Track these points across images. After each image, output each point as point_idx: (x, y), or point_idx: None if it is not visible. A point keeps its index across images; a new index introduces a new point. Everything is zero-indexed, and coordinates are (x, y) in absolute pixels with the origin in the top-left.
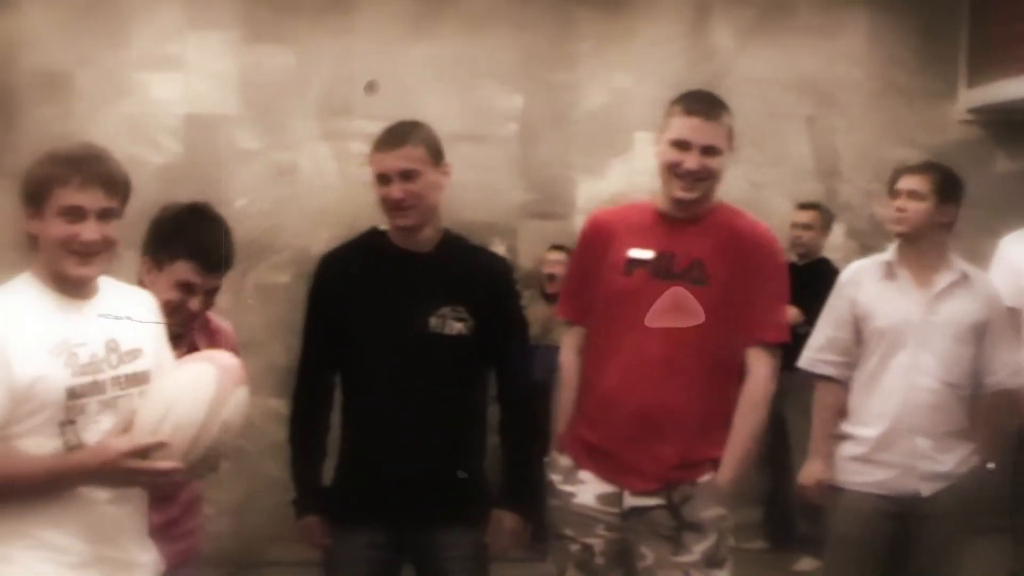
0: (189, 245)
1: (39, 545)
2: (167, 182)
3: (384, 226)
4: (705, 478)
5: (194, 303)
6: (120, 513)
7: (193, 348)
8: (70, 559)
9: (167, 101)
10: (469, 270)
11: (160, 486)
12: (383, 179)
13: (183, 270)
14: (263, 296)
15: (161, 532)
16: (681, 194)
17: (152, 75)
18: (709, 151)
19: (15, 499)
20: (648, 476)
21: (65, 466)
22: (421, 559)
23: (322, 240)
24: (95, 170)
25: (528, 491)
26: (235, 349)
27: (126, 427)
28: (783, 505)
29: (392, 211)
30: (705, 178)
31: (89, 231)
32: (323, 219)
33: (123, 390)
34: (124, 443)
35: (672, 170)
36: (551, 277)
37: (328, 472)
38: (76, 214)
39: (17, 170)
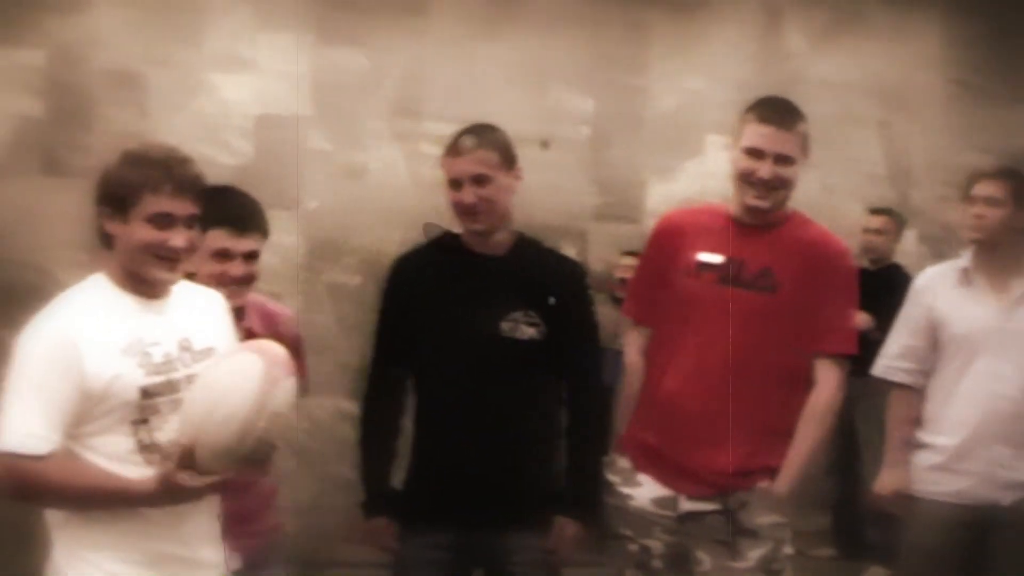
0: (215, 214)
1: (110, 545)
2: (238, 183)
3: (457, 229)
4: (762, 485)
5: (235, 268)
6: (189, 512)
7: (250, 331)
8: (140, 557)
9: (239, 102)
10: (542, 274)
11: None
12: (455, 183)
13: (215, 238)
14: (334, 297)
15: (237, 527)
16: (754, 202)
17: (224, 76)
18: (783, 160)
19: (74, 509)
20: (704, 481)
21: (126, 492)
22: (489, 563)
23: (393, 242)
24: (185, 177)
25: (592, 498)
26: (295, 334)
27: (183, 459)
28: (852, 512)
29: (464, 216)
30: (778, 187)
31: (178, 238)
32: (394, 220)
33: None
34: (185, 478)
35: (745, 178)
36: (623, 281)
37: (397, 476)
38: (166, 221)
39: (89, 170)
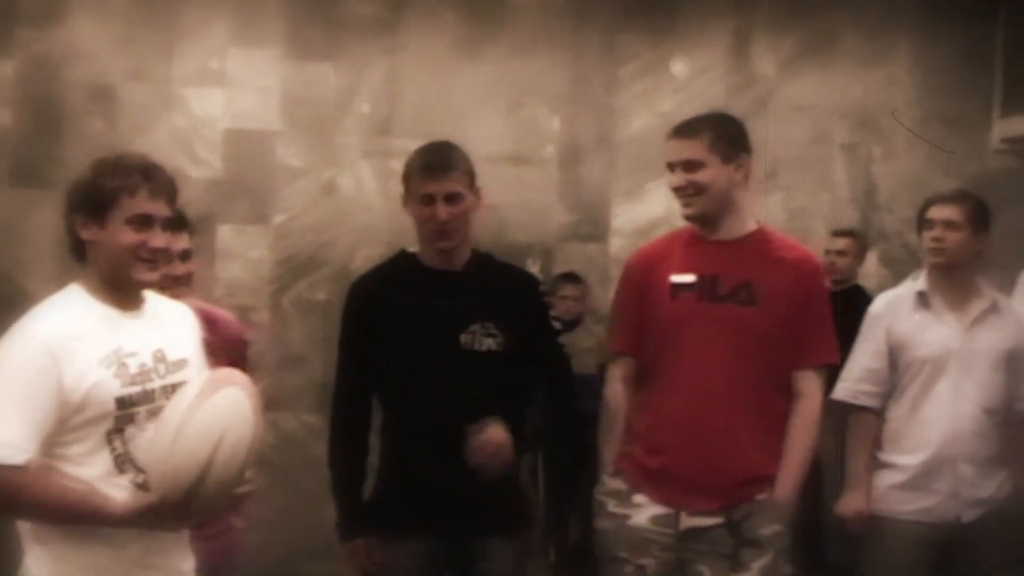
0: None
1: (83, 554)
2: (209, 196)
3: (412, 248)
4: (763, 495)
5: (157, 239)
6: None
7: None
8: (114, 566)
9: (210, 116)
10: (499, 287)
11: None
12: (427, 200)
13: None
14: (302, 312)
15: (193, 531)
16: (683, 211)
17: (196, 90)
18: (690, 166)
19: (48, 522)
20: (711, 496)
21: (102, 512)
22: (462, 567)
23: (361, 257)
24: (161, 180)
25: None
26: (239, 336)
27: (178, 510)
28: (813, 531)
29: (435, 233)
30: (695, 192)
31: (157, 239)
32: (363, 236)
33: (170, 399)
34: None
35: (673, 191)
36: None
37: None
38: (145, 222)
39: (63, 182)
